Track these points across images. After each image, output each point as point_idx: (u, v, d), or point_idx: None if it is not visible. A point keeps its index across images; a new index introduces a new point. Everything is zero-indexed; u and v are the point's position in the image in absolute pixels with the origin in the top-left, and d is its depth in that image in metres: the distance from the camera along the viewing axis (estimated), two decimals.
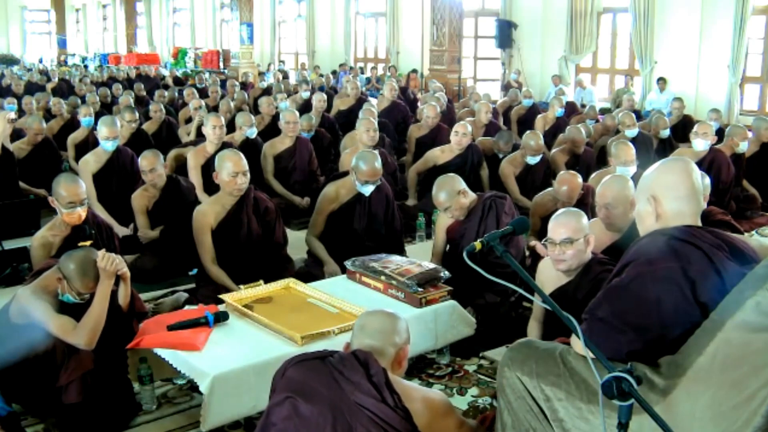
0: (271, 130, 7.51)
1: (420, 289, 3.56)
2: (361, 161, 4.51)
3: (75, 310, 3.09)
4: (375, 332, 2.37)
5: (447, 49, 15.56)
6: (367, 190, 4.53)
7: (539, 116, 9.05)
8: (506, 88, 14.10)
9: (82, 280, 3.06)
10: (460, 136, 6.30)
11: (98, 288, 3.08)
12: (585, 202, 4.71)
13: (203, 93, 11.16)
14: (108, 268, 3.07)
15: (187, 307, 3.69)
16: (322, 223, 4.65)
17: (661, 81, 12.23)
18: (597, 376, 1.89)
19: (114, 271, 3.11)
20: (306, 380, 2.23)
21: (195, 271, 4.57)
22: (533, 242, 4.55)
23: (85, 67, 22.36)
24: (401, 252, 4.67)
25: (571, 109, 10.15)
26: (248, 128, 6.81)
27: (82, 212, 3.77)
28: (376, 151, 4.95)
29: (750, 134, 6.75)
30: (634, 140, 7.05)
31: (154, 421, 3.23)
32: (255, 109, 9.15)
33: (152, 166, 4.91)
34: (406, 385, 2.36)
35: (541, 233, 4.16)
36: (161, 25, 26.90)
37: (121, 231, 5.01)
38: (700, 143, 6.14)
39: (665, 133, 7.63)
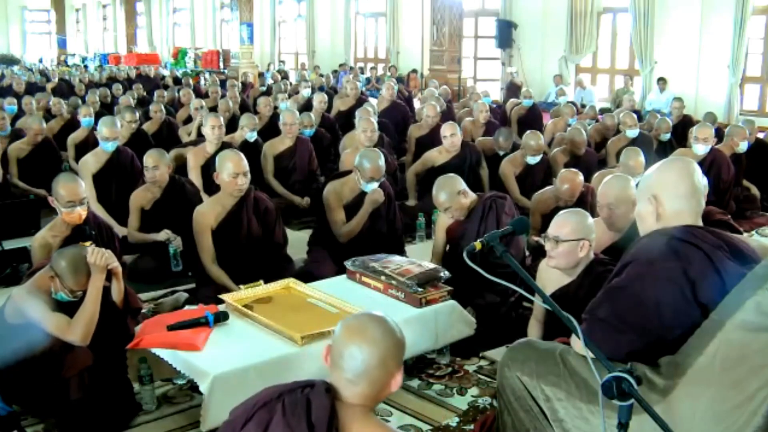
0: (269, 130, 7.51)
1: (420, 289, 3.56)
2: (364, 159, 4.52)
3: (70, 309, 3.09)
4: (356, 371, 1.85)
5: (447, 49, 15.57)
6: (372, 188, 4.54)
7: (550, 122, 8.96)
8: (510, 88, 14.10)
9: (74, 277, 3.06)
10: (450, 137, 6.29)
11: (90, 284, 3.08)
12: (585, 201, 4.71)
13: (205, 93, 11.16)
14: (98, 262, 3.08)
15: (187, 307, 3.69)
16: (343, 216, 4.64)
17: (661, 81, 12.23)
18: (597, 376, 1.89)
19: (104, 266, 3.10)
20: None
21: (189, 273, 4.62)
22: (536, 237, 4.55)
23: (85, 67, 22.34)
24: (401, 252, 4.67)
25: None
26: (249, 131, 6.80)
27: (81, 212, 3.76)
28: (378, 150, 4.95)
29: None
30: (634, 140, 7.07)
31: (154, 421, 3.23)
32: (255, 110, 9.14)
33: (156, 163, 4.89)
34: (367, 426, 1.87)
35: (542, 231, 4.16)
36: (161, 25, 26.90)
37: (121, 231, 4.99)
38: (701, 148, 6.13)
39: (666, 136, 7.60)
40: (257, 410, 1.93)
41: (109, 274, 3.18)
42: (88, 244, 3.40)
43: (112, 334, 3.18)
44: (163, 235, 4.87)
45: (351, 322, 1.94)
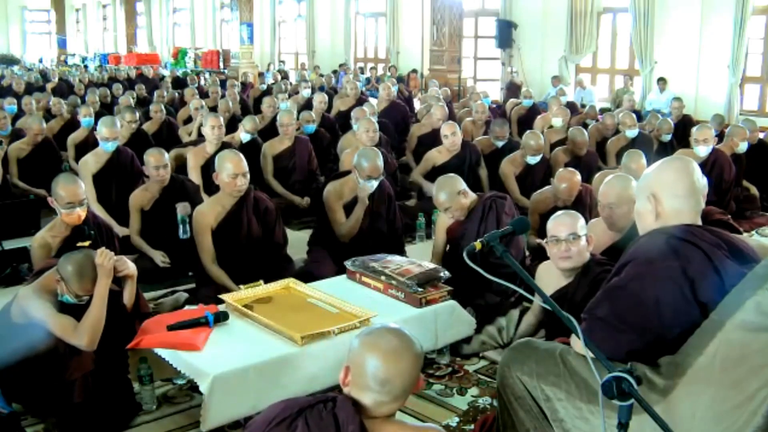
0: (272, 130, 7.51)
1: (420, 289, 3.56)
2: (362, 158, 4.53)
3: (76, 310, 3.09)
4: (385, 391, 1.85)
5: (447, 49, 15.57)
6: (371, 186, 4.55)
7: (539, 117, 8.95)
8: (510, 88, 14.09)
9: (79, 282, 3.07)
10: (450, 137, 6.30)
11: (96, 289, 3.08)
12: (583, 202, 4.71)
13: (205, 93, 11.17)
14: (104, 263, 3.08)
15: (187, 307, 3.69)
16: (343, 216, 4.66)
17: (661, 81, 12.22)
18: (597, 376, 1.89)
19: (110, 268, 3.11)
20: None
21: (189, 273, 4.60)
22: (538, 239, 4.56)
23: (85, 67, 22.34)
24: (401, 252, 4.67)
25: (571, 109, 10.10)
26: (244, 133, 6.78)
27: (81, 213, 3.76)
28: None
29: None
30: (634, 141, 7.07)
31: (154, 421, 3.23)
32: (255, 109, 9.14)
33: (158, 163, 4.88)
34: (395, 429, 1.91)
35: (541, 231, 4.17)
36: (161, 25, 26.89)
37: (121, 231, 4.99)
38: (702, 150, 6.12)
39: (667, 137, 7.58)
40: (273, 427, 1.88)
41: (122, 278, 3.17)
42: (86, 244, 3.40)
43: (119, 338, 3.18)
44: (159, 257, 4.85)
45: (372, 339, 1.89)
